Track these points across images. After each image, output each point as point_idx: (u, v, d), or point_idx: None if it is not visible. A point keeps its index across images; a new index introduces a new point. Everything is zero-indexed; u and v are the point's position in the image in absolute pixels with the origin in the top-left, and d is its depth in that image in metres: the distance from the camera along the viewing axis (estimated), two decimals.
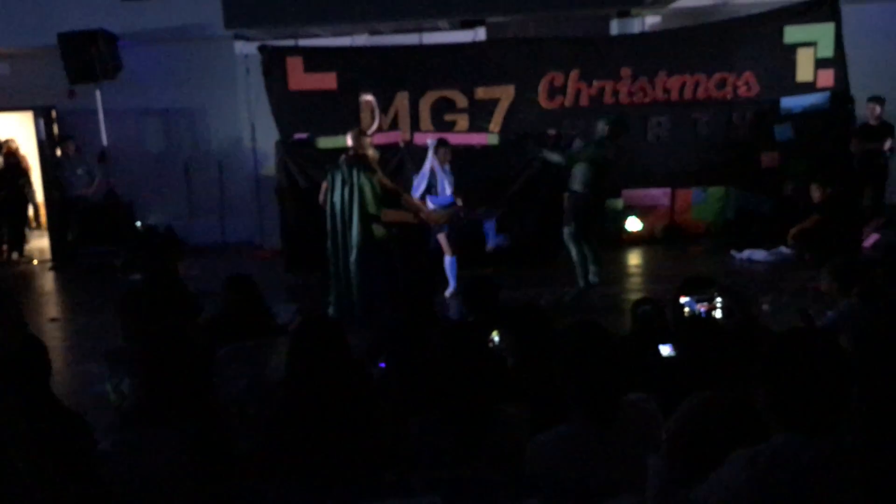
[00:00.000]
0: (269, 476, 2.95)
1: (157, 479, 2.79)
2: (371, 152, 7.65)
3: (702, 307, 2.91)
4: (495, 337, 4.03)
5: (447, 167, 8.62)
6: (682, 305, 2.92)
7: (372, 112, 8.60)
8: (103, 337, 6.68)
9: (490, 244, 8.91)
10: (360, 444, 2.88)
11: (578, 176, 8.07)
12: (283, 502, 2.79)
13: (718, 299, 2.88)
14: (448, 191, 8.52)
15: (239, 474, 2.92)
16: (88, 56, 10.70)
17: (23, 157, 12.40)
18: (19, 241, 12.20)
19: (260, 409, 3.21)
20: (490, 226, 8.86)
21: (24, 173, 12.21)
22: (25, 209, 12.49)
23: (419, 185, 8.59)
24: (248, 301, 4.58)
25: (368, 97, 8.45)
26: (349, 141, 7.70)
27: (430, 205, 8.43)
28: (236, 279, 4.78)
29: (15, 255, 12.02)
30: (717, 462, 2.01)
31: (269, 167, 10.63)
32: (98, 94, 11.21)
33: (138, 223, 11.53)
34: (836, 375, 1.94)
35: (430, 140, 8.90)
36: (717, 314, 2.88)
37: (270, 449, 3.00)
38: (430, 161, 8.58)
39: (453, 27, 11.31)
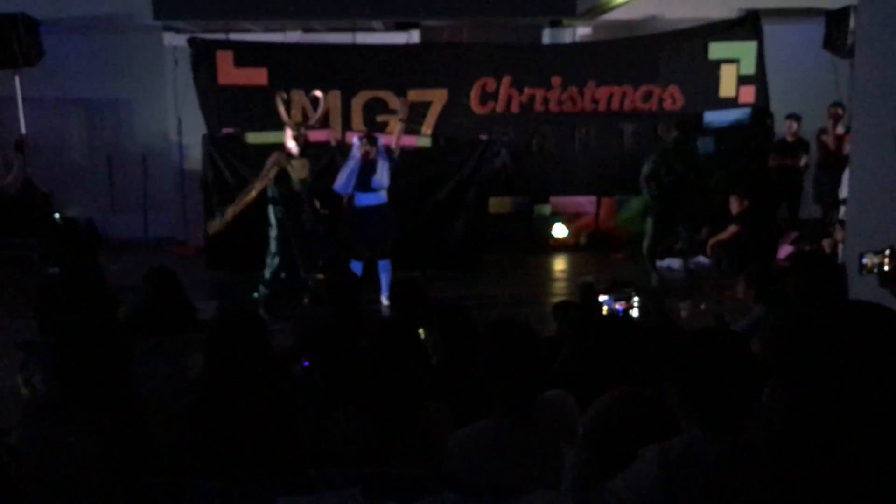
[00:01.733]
0: (187, 472, 2.90)
1: (69, 475, 2.72)
2: (289, 144, 7.62)
3: (619, 306, 2.99)
4: (421, 335, 4.05)
5: (380, 161, 8.45)
6: (601, 304, 3.00)
7: (305, 109, 8.53)
8: (16, 330, 6.48)
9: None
10: (280, 439, 2.86)
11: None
12: (200, 499, 2.74)
13: (636, 299, 2.96)
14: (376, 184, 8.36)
15: (155, 471, 2.87)
16: (8, 41, 10.33)
17: None
18: None
19: (179, 405, 3.15)
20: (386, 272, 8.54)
21: None
22: None
23: (343, 179, 8.44)
24: (167, 294, 4.49)
25: (318, 93, 8.35)
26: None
27: (357, 202, 8.35)
28: (156, 271, 4.69)
29: None
30: (631, 456, 2.07)
31: (195, 162, 10.42)
32: (17, 80, 10.83)
33: (57, 215, 11.16)
34: (742, 375, 2.03)
35: (356, 139, 8.84)
36: (634, 313, 2.97)
37: (188, 445, 2.95)
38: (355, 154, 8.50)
39: (387, 29, 11.31)
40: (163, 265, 4.93)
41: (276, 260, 7.70)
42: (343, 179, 8.17)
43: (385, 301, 8.21)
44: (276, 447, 2.88)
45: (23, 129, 11.05)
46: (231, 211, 7.72)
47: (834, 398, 1.39)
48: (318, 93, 8.29)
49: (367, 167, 8.11)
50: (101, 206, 11.92)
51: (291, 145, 7.62)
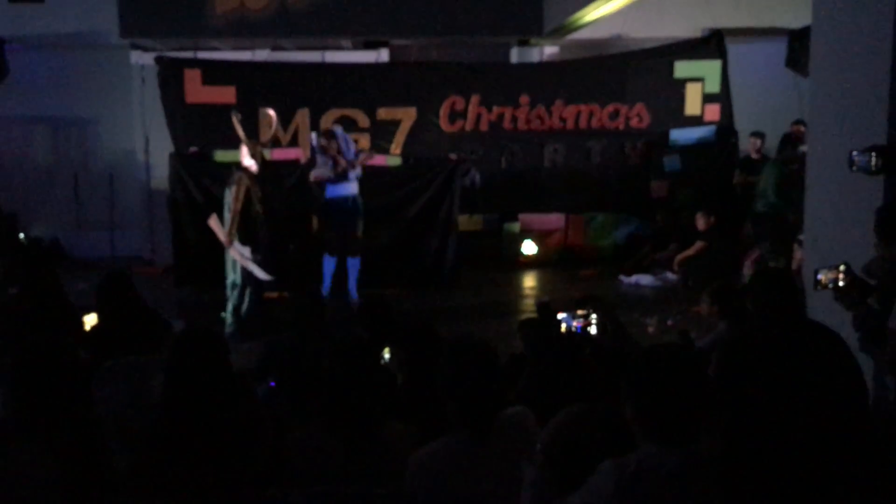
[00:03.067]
0: (147, 494, 2.87)
1: (28, 497, 2.68)
2: (246, 162, 7.64)
3: (577, 323, 3.02)
4: (386, 354, 4.05)
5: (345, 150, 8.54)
6: (559, 321, 3.03)
7: (270, 126, 8.53)
8: None
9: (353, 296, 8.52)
10: (241, 459, 2.84)
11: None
12: None
13: (593, 316, 3.00)
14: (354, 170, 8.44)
15: (116, 492, 2.84)
16: None
17: None
18: None
19: (140, 426, 3.12)
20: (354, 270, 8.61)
21: None
22: None
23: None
24: (124, 300, 4.41)
25: (270, 112, 8.38)
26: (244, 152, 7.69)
27: (329, 194, 8.46)
28: (111, 276, 4.59)
29: None
30: (588, 471, 2.09)
31: (162, 180, 10.34)
32: None
33: (21, 235, 11.03)
34: (696, 390, 2.05)
35: (312, 135, 8.90)
36: (592, 330, 3.00)
37: (149, 466, 2.93)
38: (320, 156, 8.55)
39: (356, 47, 11.36)
40: (118, 270, 4.83)
41: (237, 284, 7.69)
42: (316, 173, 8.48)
43: (354, 296, 8.22)
44: (237, 467, 2.87)
45: None
46: (226, 233, 7.66)
47: (770, 414, 1.43)
48: (270, 111, 8.33)
49: (332, 160, 8.33)
50: (66, 224, 11.81)
51: (249, 163, 7.61)
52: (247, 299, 7.71)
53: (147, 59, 10.73)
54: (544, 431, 2.21)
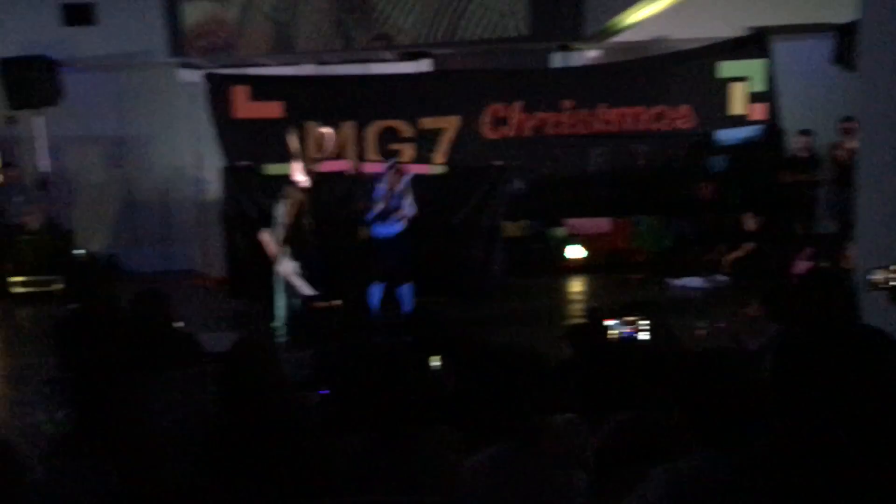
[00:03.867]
0: None
1: None
2: (298, 177, 7.74)
3: (627, 329, 3.01)
4: (434, 362, 4.09)
5: (399, 192, 8.55)
6: (609, 327, 3.03)
7: (322, 144, 8.60)
8: (39, 366, 6.58)
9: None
10: (294, 469, 2.90)
11: None
12: None
13: (643, 322, 2.99)
14: (397, 215, 8.48)
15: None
16: (29, 82, 10.57)
17: None
18: None
19: (193, 439, 3.20)
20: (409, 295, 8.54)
21: None
22: None
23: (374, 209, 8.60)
24: (153, 317, 4.46)
25: (326, 129, 8.45)
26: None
27: (375, 233, 8.48)
28: (144, 292, 4.56)
29: None
30: (639, 478, 2.09)
31: (214, 195, 10.54)
32: (39, 120, 11.05)
33: (79, 251, 11.33)
34: (748, 395, 2.04)
35: (384, 166, 8.88)
36: (642, 336, 2.99)
37: (204, 477, 3.00)
38: (382, 185, 8.60)
39: (399, 59, 11.45)
40: (153, 287, 4.79)
41: (284, 293, 7.81)
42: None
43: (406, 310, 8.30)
44: (289, 477, 2.92)
45: (45, 167, 11.25)
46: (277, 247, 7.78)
47: (826, 419, 1.42)
48: (326, 129, 8.39)
49: (391, 198, 8.36)
50: (122, 240, 12.11)
51: (301, 178, 7.72)
52: (295, 310, 7.81)
53: (196, 76, 10.96)
54: (595, 439, 2.22)
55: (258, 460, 2.83)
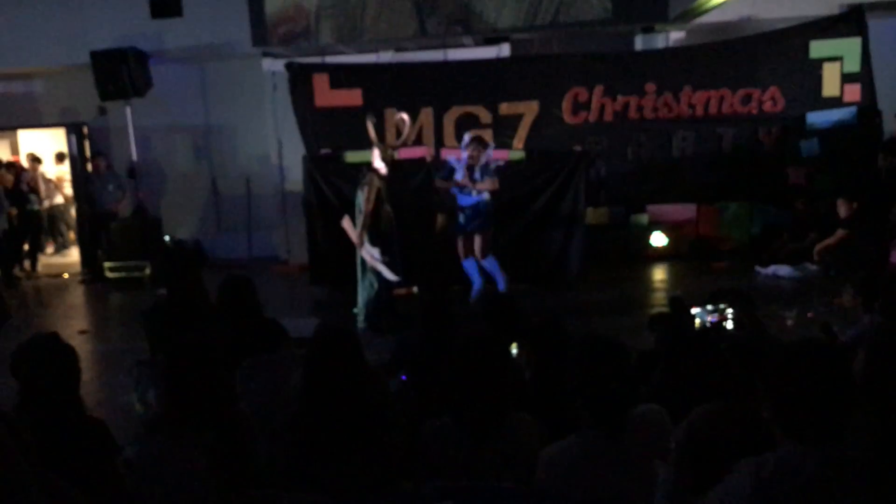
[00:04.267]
0: (288, 486, 3.00)
1: (180, 488, 2.85)
2: (377, 164, 7.77)
3: (712, 318, 2.93)
4: (513, 349, 4.07)
5: (482, 166, 8.52)
6: (693, 316, 2.94)
7: (403, 129, 8.61)
8: (131, 349, 6.82)
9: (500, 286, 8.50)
10: (376, 452, 2.92)
11: None
12: None
13: (729, 311, 2.89)
14: (475, 192, 8.45)
15: (259, 484, 2.97)
16: (119, 74, 10.90)
17: (38, 174, 12.70)
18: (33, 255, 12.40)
19: (280, 420, 3.26)
20: (494, 267, 8.58)
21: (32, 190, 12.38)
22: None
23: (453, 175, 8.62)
24: (241, 304, 4.46)
25: (405, 116, 8.47)
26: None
27: (459, 203, 8.50)
28: (231, 280, 4.54)
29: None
30: (724, 471, 2.04)
31: (296, 182, 10.71)
32: (128, 110, 11.42)
33: (167, 237, 11.70)
34: (839, 388, 1.97)
35: (466, 136, 8.82)
36: (728, 325, 2.90)
37: (289, 459, 3.05)
38: (462, 158, 8.57)
39: (477, 44, 11.40)
40: (240, 274, 4.79)
41: (369, 278, 7.88)
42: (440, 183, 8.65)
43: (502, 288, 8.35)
44: (372, 460, 2.95)
45: (134, 157, 11.63)
46: (358, 234, 7.86)
47: None
48: (404, 116, 8.41)
49: (470, 170, 8.37)
50: (207, 227, 12.44)
51: (380, 165, 7.77)
52: (377, 297, 7.89)
53: (278, 65, 11.15)
54: (679, 430, 2.17)
55: (343, 444, 2.87)
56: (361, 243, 7.80)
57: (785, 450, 1.98)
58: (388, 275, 7.83)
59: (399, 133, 9.23)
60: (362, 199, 7.77)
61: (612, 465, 2.50)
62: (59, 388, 2.98)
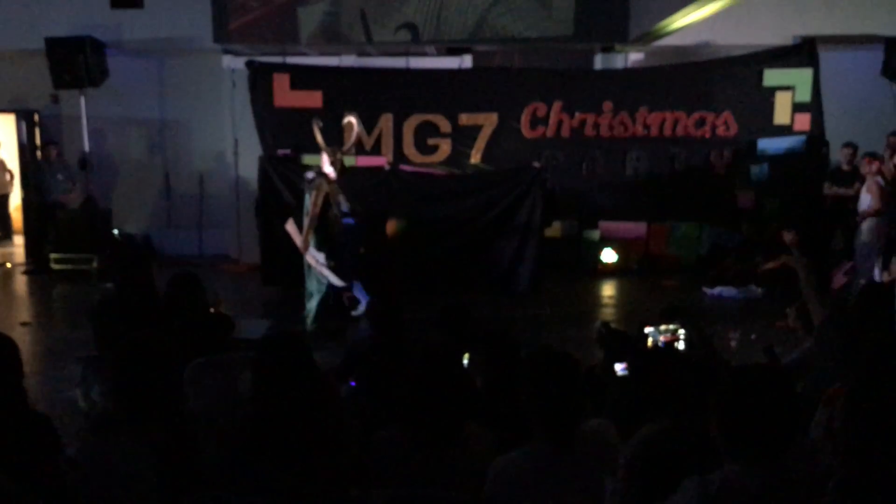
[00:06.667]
0: (235, 489, 2.97)
1: (125, 488, 2.81)
2: (326, 168, 7.77)
3: (664, 338, 2.99)
4: (465, 359, 4.10)
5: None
6: (646, 335, 3.00)
7: (351, 133, 8.61)
8: (74, 342, 6.69)
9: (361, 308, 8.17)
10: (326, 457, 2.92)
11: None
12: None
13: (681, 331, 2.96)
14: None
15: (205, 486, 2.94)
16: (75, 62, 10.69)
17: None
18: None
19: (229, 422, 3.23)
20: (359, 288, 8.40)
21: None
22: None
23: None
24: (190, 300, 4.48)
25: (352, 118, 8.48)
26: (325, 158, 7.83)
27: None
28: (180, 276, 4.57)
29: None
30: (671, 487, 2.08)
31: (250, 181, 10.61)
32: (82, 100, 11.21)
33: (115, 231, 11.49)
34: (784, 411, 2.03)
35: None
36: (680, 345, 2.96)
37: (237, 462, 3.03)
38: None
39: (440, 53, 11.46)
40: (189, 271, 4.80)
41: (313, 287, 7.86)
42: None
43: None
44: (322, 465, 2.94)
45: (86, 147, 11.41)
46: (303, 239, 7.78)
47: None
48: (352, 119, 8.39)
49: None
50: (158, 222, 12.26)
51: (329, 170, 7.75)
52: (325, 299, 7.86)
53: (238, 63, 11.06)
54: (628, 445, 2.21)
55: (292, 448, 2.86)
56: (306, 248, 7.74)
57: (729, 469, 2.03)
58: (334, 280, 7.80)
59: (349, 136, 9.20)
60: (309, 202, 7.72)
61: (561, 478, 2.53)
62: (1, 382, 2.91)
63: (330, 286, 7.87)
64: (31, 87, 11.94)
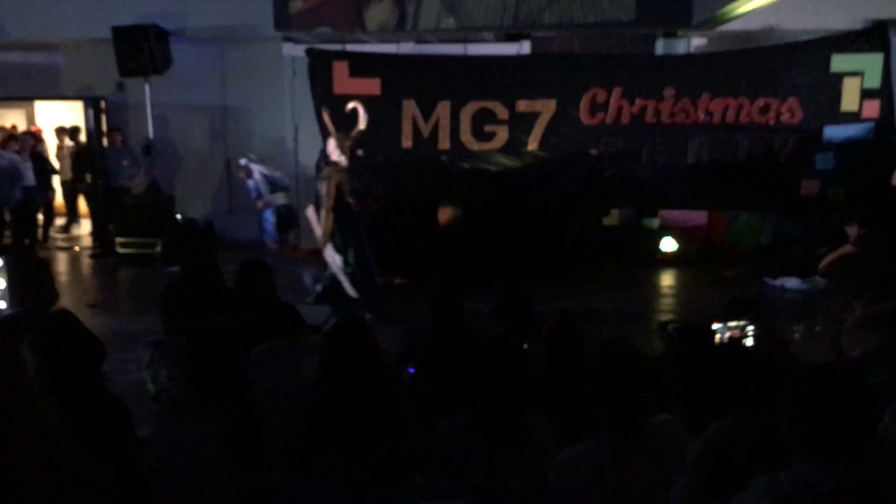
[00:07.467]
0: (301, 474, 3.03)
1: (196, 471, 2.88)
2: (335, 157, 7.74)
3: (731, 334, 2.95)
4: (525, 347, 4.09)
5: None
6: (714, 332, 2.97)
7: (413, 118, 8.62)
8: (139, 325, 6.86)
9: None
10: (389, 445, 2.96)
11: None
12: (313, 501, 2.86)
13: (750, 327, 2.91)
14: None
15: (272, 471, 3.01)
16: (140, 51, 10.91)
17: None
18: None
19: (294, 408, 3.29)
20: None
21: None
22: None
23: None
24: (259, 288, 4.50)
25: (354, 104, 8.43)
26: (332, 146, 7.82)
27: None
28: (249, 263, 4.60)
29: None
30: (740, 486, 2.06)
31: (309, 167, 10.71)
32: (147, 87, 11.44)
33: (178, 216, 11.73)
34: (858, 408, 1.99)
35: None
36: (748, 342, 2.92)
37: (303, 448, 3.09)
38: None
39: (498, 40, 11.40)
40: (257, 258, 4.83)
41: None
42: None
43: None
44: (385, 451, 2.98)
45: (150, 134, 11.66)
46: (323, 232, 7.81)
47: None
48: (357, 105, 8.39)
49: None
50: (219, 208, 12.48)
51: (338, 158, 7.70)
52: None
53: (298, 51, 11.15)
54: (696, 442, 2.19)
55: (356, 435, 2.90)
56: (326, 241, 7.71)
57: (802, 468, 2.00)
58: (349, 289, 7.74)
59: (417, 125, 9.23)
60: (322, 193, 7.66)
61: (626, 472, 2.53)
62: (82, 367, 3.00)
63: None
64: (97, 76, 12.24)
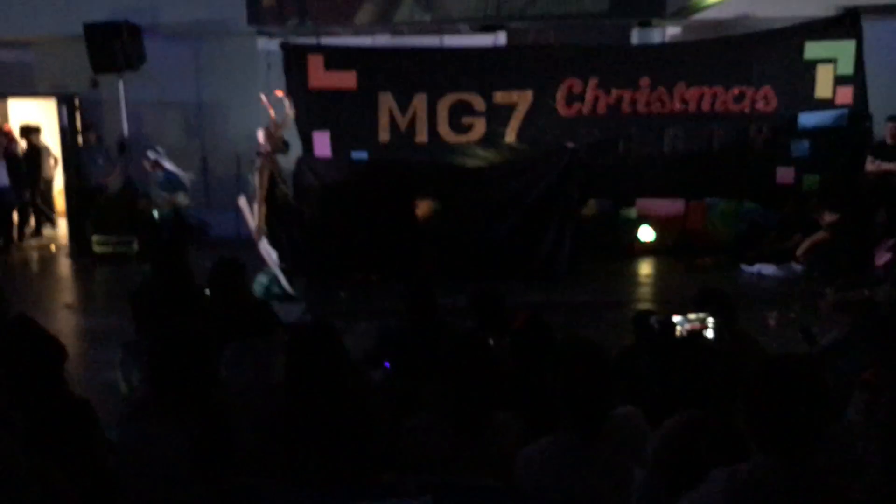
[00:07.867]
0: (269, 475, 3.02)
1: (163, 472, 2.87)
2: (262, 143, 7.73)
3: (690, 326, 2.96)
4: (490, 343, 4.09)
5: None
6: (674, 324, 2.98)
7: (390, 110, 8.59)
8: (115, 325, 6.82)
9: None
10: (357, 443, 2.95)
11: None
12: (281, 501, 2.86)
13: (710, 320, 2.93)
14: None
15: (238, 472, 3.00)
16: (113, 47, 10.82)
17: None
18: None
19: (262, 408, 3.28)
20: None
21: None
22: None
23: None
24: (232, 287, 4.50)
25: (279, 92, 8.42)
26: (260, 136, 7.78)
27: None
28: (224, 262, 4.61)
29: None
30: (699, 477, 2.08)
31: (287, 160, 10.66)
32: (121, 84, 11.34)
33: (155, 213, 11.65)
34: (814, 403, 2.00)
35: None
36: (708, 334, 2.93)
37: (271, 448, 3.08)
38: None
39: (474, 31, 11.37)
40: (231, 257, 4.79)
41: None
42: None
43: None
44: (353, 451, 2.98)
45: (125, 131, 11.56)
46: (257, 225, 7.74)
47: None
48: (280, 93, 8.36)
49: None
50: (196, 205, 12.39)
51: (263, 143, 7.63)
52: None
53: (272, 45, 11.08)
54: (656, 435, 2.21)
55: (324, 435, 2.89)
56: (260, 235, 7.63)
57: (758, 461, 2.02)
58: (285, 284, 7.66)
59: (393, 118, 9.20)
60: (256, 184, 7.58)
61: (589, 466, 2.54)
62: (41, 371, 2.97)
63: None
64: (71, 73, 12.11)
